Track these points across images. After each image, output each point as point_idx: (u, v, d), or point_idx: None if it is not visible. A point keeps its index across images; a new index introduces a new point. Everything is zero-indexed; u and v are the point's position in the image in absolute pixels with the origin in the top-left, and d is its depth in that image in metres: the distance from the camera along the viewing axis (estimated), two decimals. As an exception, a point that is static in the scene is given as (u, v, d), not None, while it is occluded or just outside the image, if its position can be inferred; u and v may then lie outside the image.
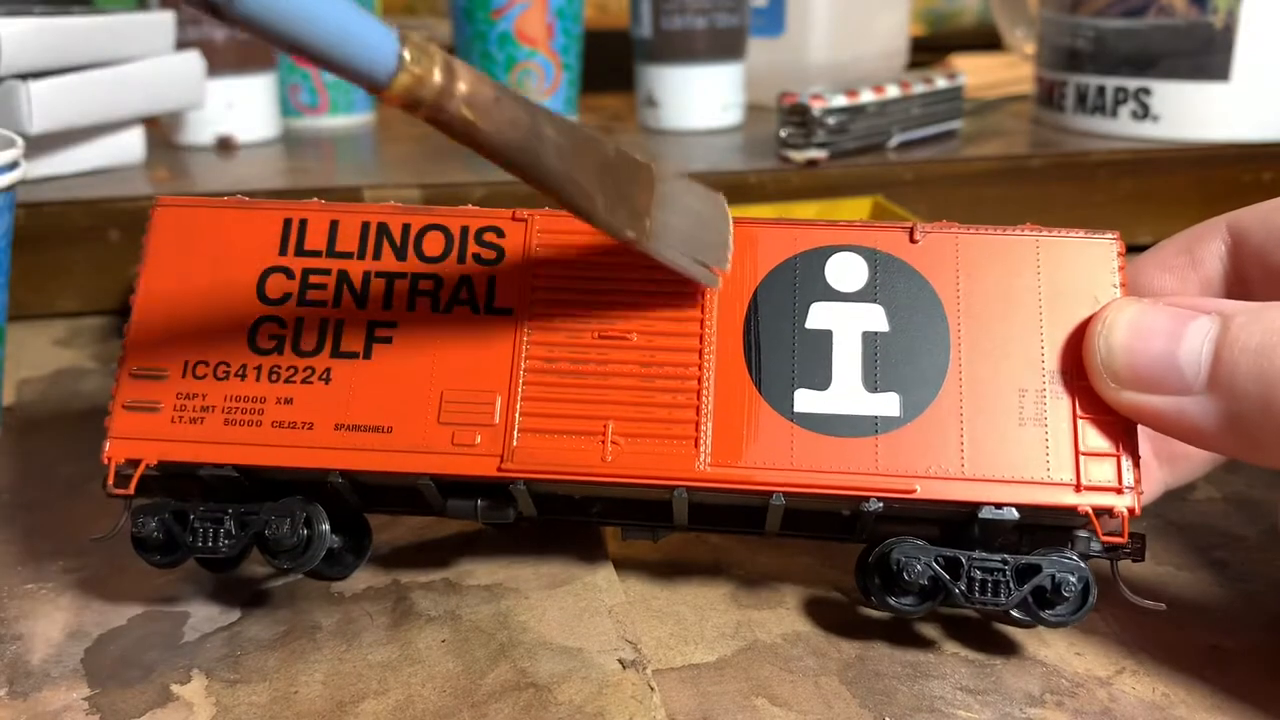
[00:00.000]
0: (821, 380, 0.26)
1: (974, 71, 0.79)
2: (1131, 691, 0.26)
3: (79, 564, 0.31)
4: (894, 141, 0.61)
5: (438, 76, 0.20)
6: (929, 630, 0.28)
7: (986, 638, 0.28)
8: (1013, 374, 0.26)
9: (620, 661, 0.27)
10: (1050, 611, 0.26)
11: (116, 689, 0.26)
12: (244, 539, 0.27)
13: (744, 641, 0.28)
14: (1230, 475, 0.36)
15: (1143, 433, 0.26)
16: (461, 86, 0.20)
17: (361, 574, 0.31)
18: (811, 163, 0.57)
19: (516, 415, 0.26)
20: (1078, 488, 0.25)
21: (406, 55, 0.20)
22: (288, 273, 0.28)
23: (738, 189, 0.55)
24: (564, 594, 0.30)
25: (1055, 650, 0.27)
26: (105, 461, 0.27)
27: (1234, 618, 0.29)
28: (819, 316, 0.27)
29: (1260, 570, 0.31)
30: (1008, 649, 0.27)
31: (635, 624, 0.28)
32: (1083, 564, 0.26)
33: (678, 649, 0.27)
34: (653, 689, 0.26)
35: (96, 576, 0.31)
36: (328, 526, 0.27)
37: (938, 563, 0.26)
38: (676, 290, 0.27)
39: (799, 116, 0.57)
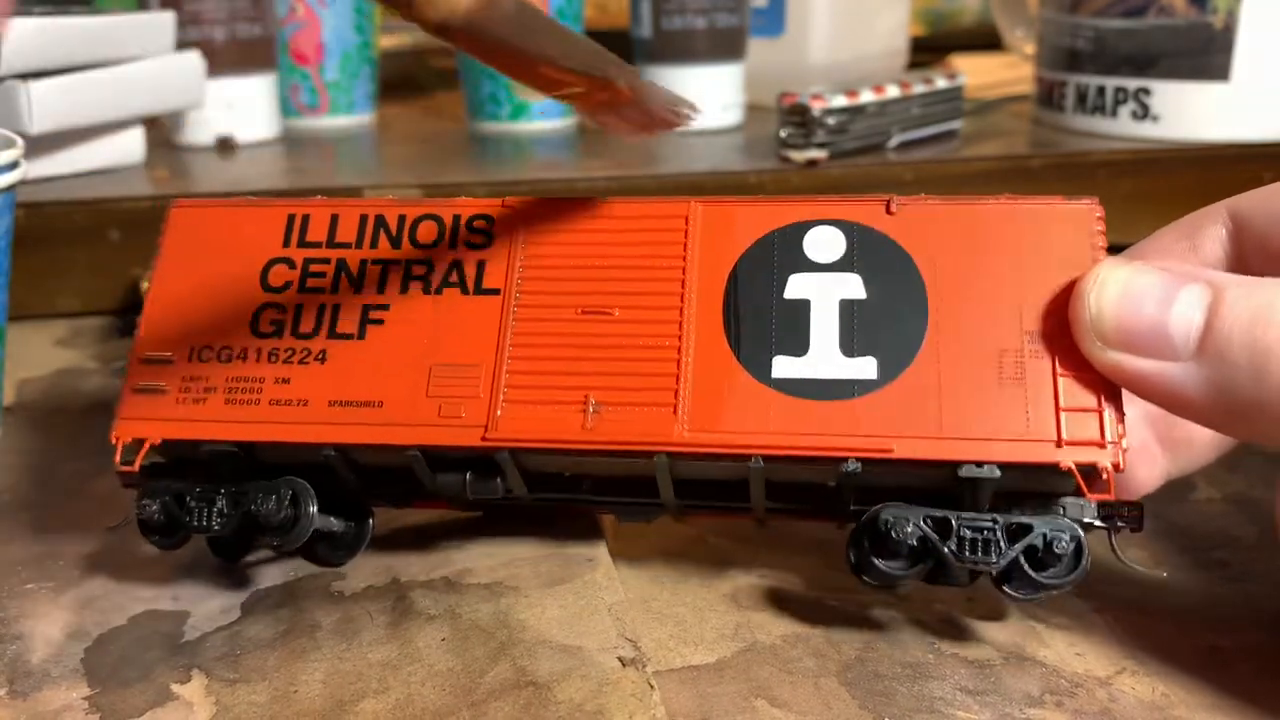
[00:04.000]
0: (799, 347, 0.27)
1: (974, 71, 0.78)
2: (1131, 691, 0.26)
3: (79, 564, 0.31)
4: (894, 141, 0.61)
5: None
6: (928, 631, 0.28)
7: (986, 638, 0.28)
8: (992, 335, 0.26)
9: (620, 659, 0.27)
10: (1044, 574, 0.25)
11: (116, 689, 0.26)
12: (236, 517, 0.28)
13: (744, 642, 0.28)
14: (1230, 475, 0.36)
15: (1145, 417, 0.26)
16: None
17: (361, 572, 0.31)
18: (811, 163, 0.57)
19: (501, 388, 0.27)
20: (1059, 443, 0.25)
21: None
22: (289, 263, 0.29)
23: (738, 189, 0.56)
24: (564, 592, 0.30)
25: (1055, 650, 0.27)
26: (113, 440, 0.28)
27: (1234, 618, 0.29)
28: (797, 286, 0.27)
29: (1260, 570, 0.31)
30: (1007, 649, 0.27)
31: (635, 623, 0.28)
32: (1074, 524, 0.25)
33: (677, 650, 0.27)
34: (652, 687, 0.26)
35: (97, 576, 0.31)
36: (315, 505, 0.28)
37: (927, 523, 0.26)
38: (657, 267, 0.28)
39: (799, 116, 0.57)
